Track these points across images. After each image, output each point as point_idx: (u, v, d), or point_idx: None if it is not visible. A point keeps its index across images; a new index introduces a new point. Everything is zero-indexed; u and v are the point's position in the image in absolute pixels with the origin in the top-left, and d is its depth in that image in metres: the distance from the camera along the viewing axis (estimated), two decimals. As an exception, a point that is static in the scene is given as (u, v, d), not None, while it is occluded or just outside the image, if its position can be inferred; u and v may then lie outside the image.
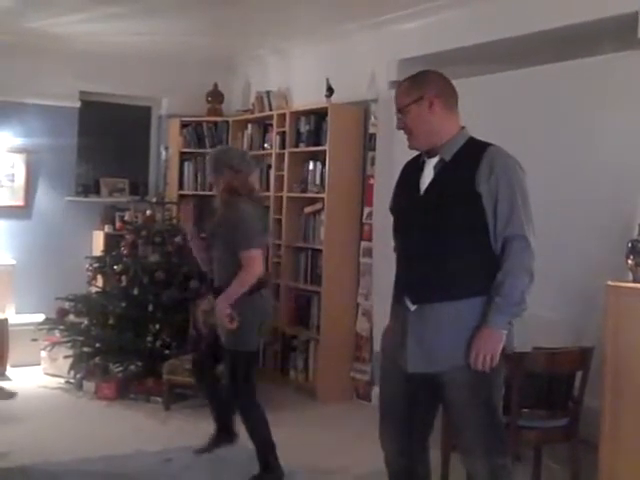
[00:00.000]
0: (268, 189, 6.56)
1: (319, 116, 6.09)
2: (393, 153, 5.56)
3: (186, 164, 7.27)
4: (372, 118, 5.88)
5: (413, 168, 2.97)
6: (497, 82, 4.85)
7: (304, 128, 6.25)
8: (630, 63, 4.08)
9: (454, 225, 2.78)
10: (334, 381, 5.94)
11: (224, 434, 4.50)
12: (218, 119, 7.23)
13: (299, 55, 6.68)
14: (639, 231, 3.55)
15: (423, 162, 2.93)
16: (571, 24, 4.31)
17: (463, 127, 2.92)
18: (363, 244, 5.95)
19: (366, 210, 5.93)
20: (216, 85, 7.32)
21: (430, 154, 2.90)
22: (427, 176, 2.88)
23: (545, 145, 4.44)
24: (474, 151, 2.82)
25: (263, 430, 4.14)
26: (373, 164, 5.86)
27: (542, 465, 4.16)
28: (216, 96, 7.33)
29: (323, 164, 6.01)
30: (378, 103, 5.76)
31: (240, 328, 4.02)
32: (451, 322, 2.78)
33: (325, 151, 5.94)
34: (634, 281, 3.47)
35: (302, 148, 6.25)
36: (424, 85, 2.86)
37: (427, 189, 2.86)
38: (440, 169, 2.85)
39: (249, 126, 6.94)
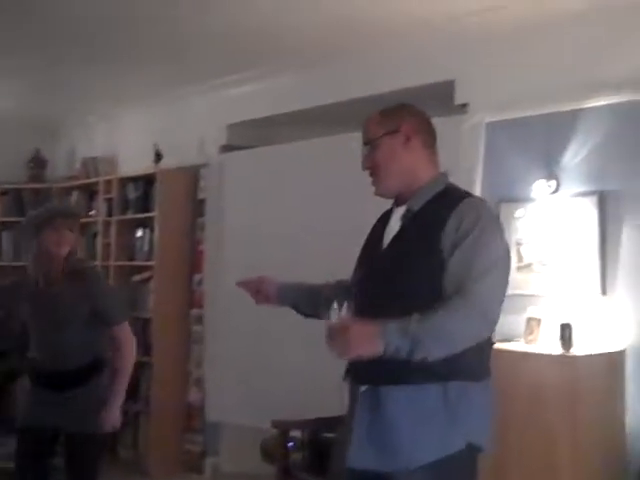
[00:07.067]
0: (95, 258, 6.32)
1: (148, 182, 5.96)
2: (223, 218, 5.53)
3: (4, 234, 6.88)
4: (202, 183, 5.83)
5: (384, 218, 2.50)
6: (311, 148, 4.94)
7: (133, 194, 6.09)
8: (447, 128, 4.26)
9: (412, 291, 2.26)
10: (166, 454, 5.68)
11: None
12: (40, 186, 6.92)
13: (127, 120, 6.56)
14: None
15: (391, 210, 2.48)
16: (394, 90, 4.47)
17: (444, 172, 2.47)
18: (193, 311, 5.82)
19: (196, 277, 5.82)
20: (38, 151, 7.03)
21: (399, 202, 2.43)
22: (393, 228, 2.41)
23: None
24: (448, 202, 2.32)
25: None
26: (203, 230, 5.79)
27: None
28: (38, 162, 7.03)
29: (152, 231, 5.87)
30: (208, 168, 5.73)
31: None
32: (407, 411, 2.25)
33: (154, 217, 5.81)
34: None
35: (130, 215, 6.08)
36: (401, 117, 2.42)
37: (390, 243, 2.39)
38: (407, 220, 2.37)
39: (74, 193, 6.70)
